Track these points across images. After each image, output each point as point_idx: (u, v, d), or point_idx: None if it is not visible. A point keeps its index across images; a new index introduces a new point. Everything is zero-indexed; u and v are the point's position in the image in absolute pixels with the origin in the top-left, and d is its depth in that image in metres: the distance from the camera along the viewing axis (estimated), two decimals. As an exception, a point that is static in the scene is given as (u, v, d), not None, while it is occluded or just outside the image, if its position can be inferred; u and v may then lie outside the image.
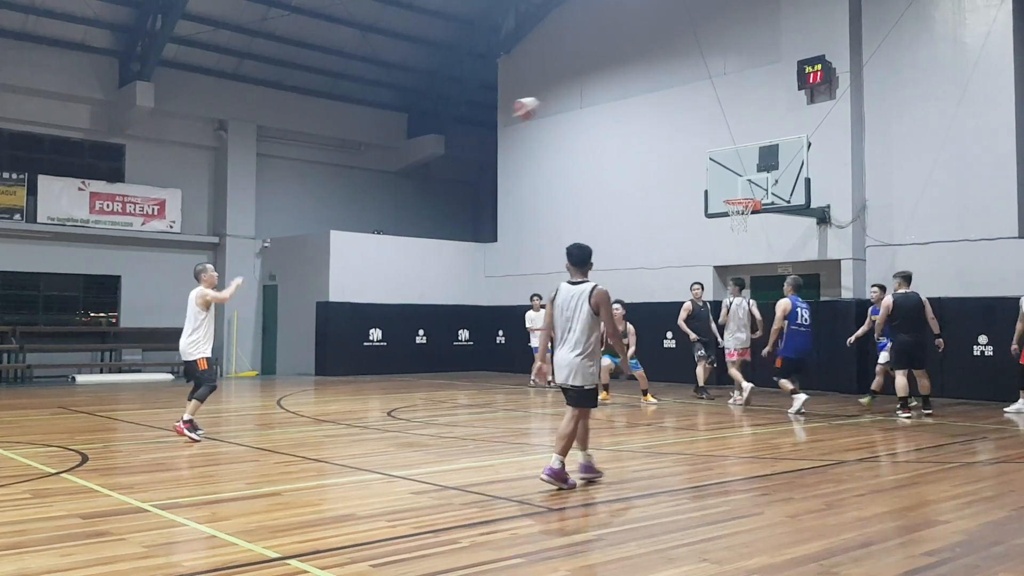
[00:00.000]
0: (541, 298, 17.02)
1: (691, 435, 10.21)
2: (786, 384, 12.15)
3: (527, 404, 14.04)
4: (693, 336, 14.55)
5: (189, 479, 7.03)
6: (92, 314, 21.33)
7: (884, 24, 15.52)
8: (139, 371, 20.50)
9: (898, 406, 11.81)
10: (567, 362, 6.59)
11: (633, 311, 18.17)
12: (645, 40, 19.48)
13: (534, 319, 17.77)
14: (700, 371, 14.66)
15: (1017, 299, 12.65)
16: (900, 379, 11.84)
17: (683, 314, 14.64)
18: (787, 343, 12.17)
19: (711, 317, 14.86)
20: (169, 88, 21.02)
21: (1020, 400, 12.39)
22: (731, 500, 6.18)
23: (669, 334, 17.88)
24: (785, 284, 12.57)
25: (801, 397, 11.89)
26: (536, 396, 15.38)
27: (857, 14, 15.96)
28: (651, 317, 17.48)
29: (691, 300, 14.80)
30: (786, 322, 12.13)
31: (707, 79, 17.73)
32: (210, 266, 10.15)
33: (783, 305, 12.19)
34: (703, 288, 15.06)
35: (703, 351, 14.60)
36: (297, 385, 17.91)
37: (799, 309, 12.20)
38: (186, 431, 9.17)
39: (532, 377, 14.69)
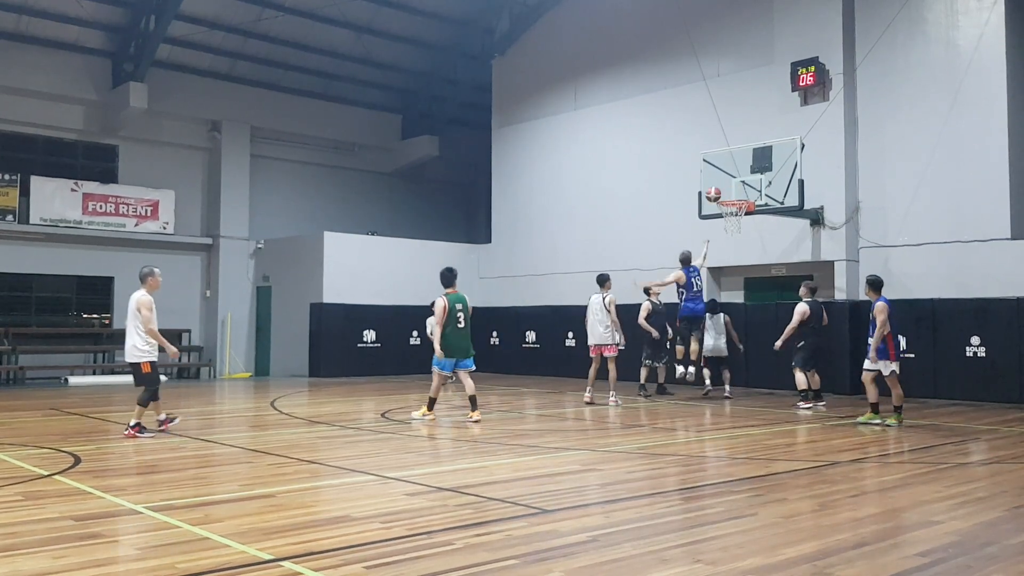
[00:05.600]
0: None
1: (685, 436, 10.22)
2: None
3: (521, 405, 14.04)
4: (655, 334, 14.94)
5: (182, 481, 7.01)
6: (85, 315, 21.27)
7: (877, 26, 15.56)
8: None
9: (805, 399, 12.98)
10: None
11: (626, 312, 18.24)
12: (639, 42, 19.51)
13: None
14: (644, 371, 15.15)
15: (1014, 300, 12.73)
16: (804, 376, 13.13)
17: (643, 312, 14.99)
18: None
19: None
20: (162, 89, 20.98)
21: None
22: (725, 501, 6.19)
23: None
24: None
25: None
26: (528, 398, 15.38)
27: (850, 16, 15.99)
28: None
29: (650, 300, 15.26)
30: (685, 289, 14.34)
31: (701, 81, 17.76)
32: (157, 269, 10.10)
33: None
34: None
35: (654, 352, 15.03)
36: (291, 387, 17.88)
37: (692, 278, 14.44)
38: (136, 434, 9.52)
39: None
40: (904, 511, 5.89)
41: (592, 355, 13.65)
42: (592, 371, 13.65)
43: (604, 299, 13.50)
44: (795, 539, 5.09)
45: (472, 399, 11.22)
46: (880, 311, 10.66)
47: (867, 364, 10.91)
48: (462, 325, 11.16)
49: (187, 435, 9.95)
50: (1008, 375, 13.80)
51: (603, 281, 13.75)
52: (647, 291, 15.31)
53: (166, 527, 5.30)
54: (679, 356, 14.72)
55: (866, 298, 15.42)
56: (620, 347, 13.65)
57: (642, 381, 15.15)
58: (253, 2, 20.56)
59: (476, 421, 10.99)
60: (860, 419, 11.08)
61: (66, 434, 9.97)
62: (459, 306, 11.18)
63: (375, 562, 4.52)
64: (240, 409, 14.08)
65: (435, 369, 11.29)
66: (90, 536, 5.08)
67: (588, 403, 13.51)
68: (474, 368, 11.35)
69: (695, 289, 14.60)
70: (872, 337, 10.74)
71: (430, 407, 11.40)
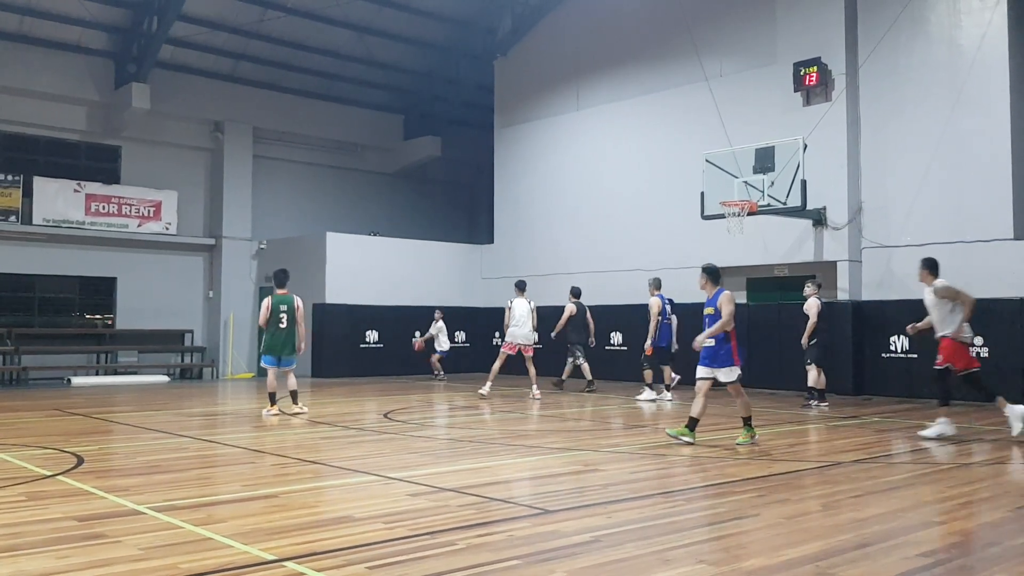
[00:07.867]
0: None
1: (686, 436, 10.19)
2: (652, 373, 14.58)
3: (523, 406, 14.03)
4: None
5: (185, 481, 7.02)
6: (88, 316, 21.29)
7: (880, 26, 15.55)
8: (135, 373, 20.47)
9: (814, 398, 13.19)
10: None
11: (628, 312, 18.26)
12: (641, 42, 19.50)
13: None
14: (584, 367, 16.30)
15: (1017, 300, 12.66)
16: (817, 373, 13.33)
17: (566, 315, 16.30)
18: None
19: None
20: (165, 90, 21.01)
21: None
22: (728, 502, 6.19)
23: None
24: (649, 284, 14.87)
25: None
26: (530, 398, 15.37)
27: (853, 16, 15.99)
28: (646, 318, 17.45)
29: (572, 302, 16.47)
30: (660, 317, 14.39)
31: (703, 81, 17.76)
32: None
33: (655, 303, 14.40)
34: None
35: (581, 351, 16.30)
36: (293, 387, 17.86)
37: (666, 306, 14.60)
38: None
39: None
40: (907, 511, 5.89)
41: (512, 352, 14.86)
42: (531, 368, 14.97)
43: (531, 303, 15.00)
44: (798, 540, 5.09)
45: (293, 394, 12.14)
46: (728, 300, 8.88)
47: (702, 370, 8.95)
48: (284, 325, 11.97)
49: (190, 435, 9.96)
50: (1011, 376, 13.75)
51: (524, 286, 15.25)
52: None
53: (169, 527, 5.31)
54: (667, 381, 14.82)
55: (869, 298, 15.55)
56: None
57: (590, 377, 16.18)
58: (255, 3, 20.58)
59: (297, 414, 11.84)
60: (671, 431, 9.13)
61: (69, 434, 9.97)
62: (283, 307, 11.96)
63: (378, 562, 4.52)
64: (242, 409, 14.08)
65: (264, 365, 12.29)
66: (93, 536, 5.08)
67: (558, 385, 15.31)
68: (295, 366, 12.34)
69: (668, 316, 14.72)
70: (705, 335, 8.91)
71: (272, 401, 12.10)
